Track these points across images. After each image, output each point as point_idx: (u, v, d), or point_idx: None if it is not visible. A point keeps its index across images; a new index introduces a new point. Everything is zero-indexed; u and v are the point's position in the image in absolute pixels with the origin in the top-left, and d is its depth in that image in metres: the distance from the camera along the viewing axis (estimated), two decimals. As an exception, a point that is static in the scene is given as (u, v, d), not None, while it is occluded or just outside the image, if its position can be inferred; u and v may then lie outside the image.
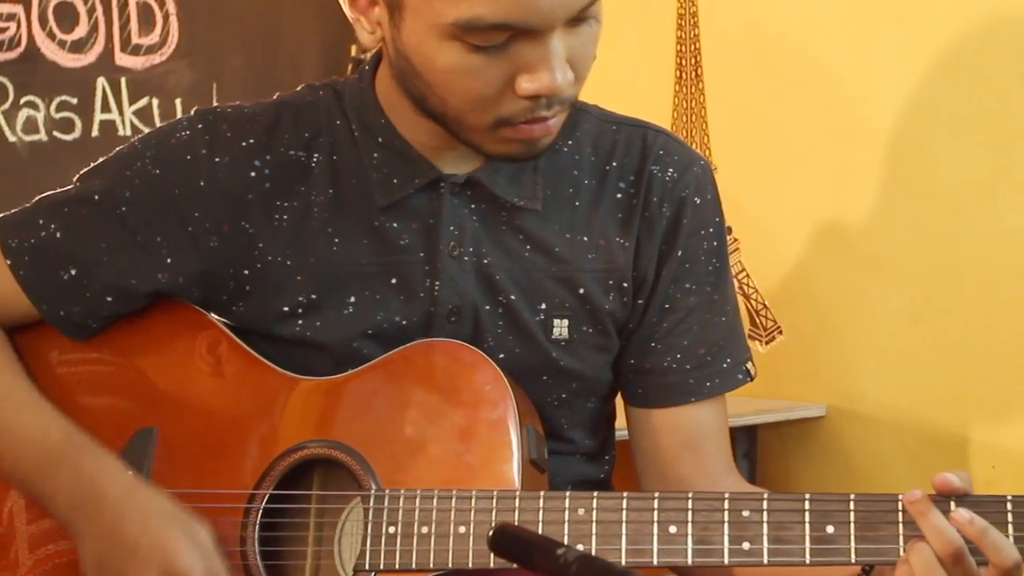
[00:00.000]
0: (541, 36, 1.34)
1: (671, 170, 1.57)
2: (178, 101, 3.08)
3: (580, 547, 1.32)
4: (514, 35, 1.34)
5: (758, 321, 2.87)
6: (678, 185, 1.56)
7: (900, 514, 1.28)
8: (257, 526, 1.44)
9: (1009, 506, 1.26)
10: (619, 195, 1.56)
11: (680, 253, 1.56)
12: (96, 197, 1.52)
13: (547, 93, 1.36)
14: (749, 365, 1.61)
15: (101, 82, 3.02)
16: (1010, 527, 1.25)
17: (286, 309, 1.51)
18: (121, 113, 3.03)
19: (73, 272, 1.52)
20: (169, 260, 1.51)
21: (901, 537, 1.27)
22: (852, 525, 1.28)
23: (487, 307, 1.51)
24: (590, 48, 1.41)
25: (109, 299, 1.52)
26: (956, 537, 1.24)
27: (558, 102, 1.39)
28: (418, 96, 1.43)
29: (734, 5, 2.93)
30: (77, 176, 1.56)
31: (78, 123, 3.00)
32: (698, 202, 1.57)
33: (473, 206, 1.51)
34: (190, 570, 1.37)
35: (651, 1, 3.08)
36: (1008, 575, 1.25)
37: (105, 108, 3.02)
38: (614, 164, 1.56)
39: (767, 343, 2.87)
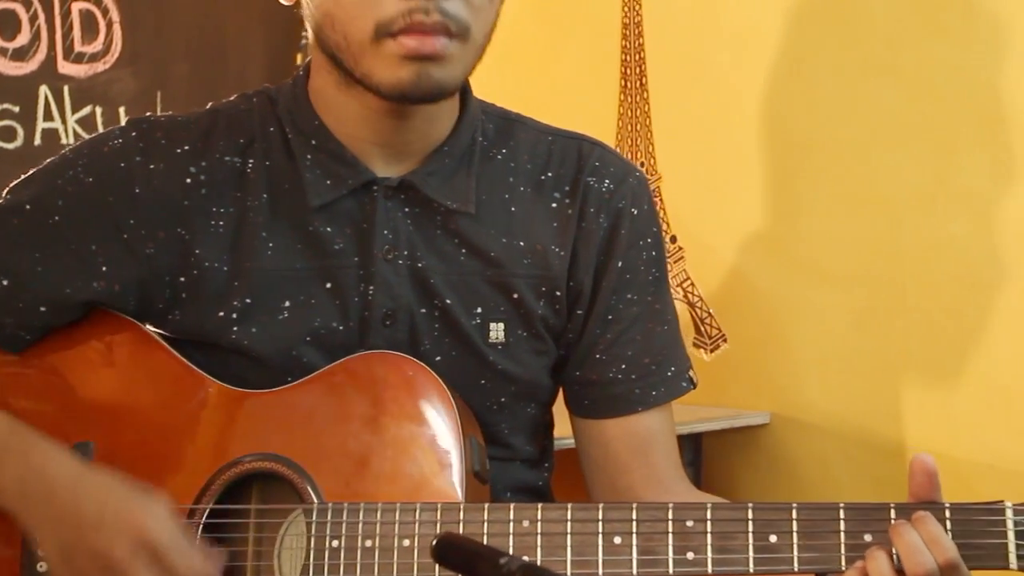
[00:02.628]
0: None
1: (607, 181, 1.57)
2: (122, 109, 3.05)
3: (525, 558, 1.32)
4: None
5: (703, 329, 2.89)
6: (615, 196, 1.57)
7: (842, 523, 1.29)
8: (197, 540, 1.43)
9: (948, 513, 1.28)
10: (554, 204, 1.56)
11: (620, 264, 1.56)
12: (27, 207, 1.51)
13: None
14: (692, 373, 1.63)
15: (44, 90, 2.99)
16: (948, 534, 1.26)
17: (222, 315, 1.50)
18: (64, 122, 3.01)
19: (5, 283, 1.50)
20: (104, 268, 1.50)
21: (843, 545, 1.28)
22: (795, 534, 1.29)
23: (423, 310, 1.51)
24: None
25: (43, 309, 1.51)
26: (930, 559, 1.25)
27: (439, 10, 1.36)
28: (318, 33, 1.44)
29: (678, 15, 2.94)
30: (7, 188, 1.55)
31: (20, 132, 2.97)
32: (635, 213, 1.58)
33: (407, 209, 1.51)
34: (160, 532, 1.35)
35: (596, 11, 3.09)
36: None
37: (48, 116, 2.99)
38: (549, 174, 1.57)
39: (712, 351, 2.88)
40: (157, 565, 1.34)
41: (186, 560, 1.35)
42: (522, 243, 1.54)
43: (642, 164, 2.96)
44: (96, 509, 1.37)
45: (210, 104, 1.59)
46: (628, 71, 3.02)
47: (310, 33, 1.49)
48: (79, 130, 3.01)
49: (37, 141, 2.97)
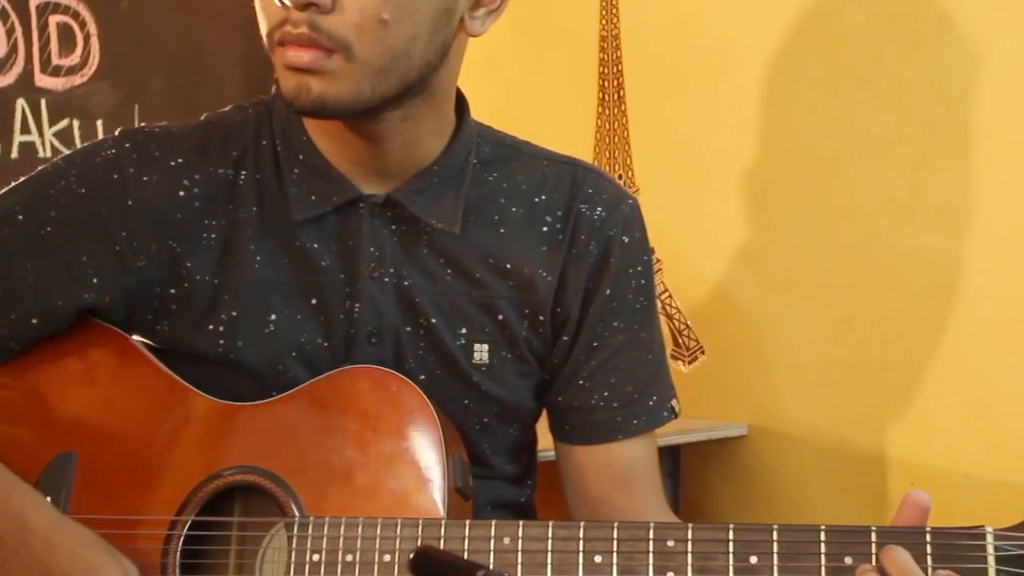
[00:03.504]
0: None
1: (600, 209, 1.57)
2: (99, 123, 3.04)
3: (506, 574, 1.32)
4: None
5: (681, 341, 2.89)
6: (606, 224, 1.57)
7: (822, 545, 1.29)
8: (179, 553, 1.43)
9: (928, 538, 1.27)
10: (545, 228, 1.56)
11: (608, 292, 1.57)
12: (19, 217, 1.51)
13: None
14: (674, 403, 1.63)
15: (20, 103, 2.98)
16: (929, 558, 1.26)
17: (210, 327, 1.50)
18: (41, 135, 2.99)
19: None
20: (95, 280, 1.50)
21: (823, 568, 1.28)
22: (775, 555, 1.29)
23: (408, 328, 1.51)
24: None
25: (34, 321, 1.51)
26: None
27: (306, 23, 1.36)
28: None
29: (656, 28, 2.94)
30: None
31: (-3, 145, 2.97)
32: (626, 241, 1.58)
33: (393, 227, 1.51)
34: None
35: (573, 24, 3.09)
36: None
37: (25, 130, 2.98)
38: (543, 197, 1.57)
39: (690, 363, 2.88)
40: None
41: None
42: (509, 265, 1.54)
43: (620, 176, 2.97)
44: (68, 562, 1.38)
45: (205, 115, 1.59)
46: (606, 84, 3.02)
47: None
48: (56, 143, 3.00)
49: (14, 154, 2.96)
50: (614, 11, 3.01)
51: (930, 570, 1.25)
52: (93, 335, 1.54)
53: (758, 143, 2.75)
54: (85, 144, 1.60)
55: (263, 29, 1.41)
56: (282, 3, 1.35)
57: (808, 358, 2.69)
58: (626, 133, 2.99)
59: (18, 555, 1.41)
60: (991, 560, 1.25)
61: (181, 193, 1.51)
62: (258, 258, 1.50)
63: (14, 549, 1.41)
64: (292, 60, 1.37)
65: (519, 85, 3.16)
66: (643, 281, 1.60)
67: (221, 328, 1.50)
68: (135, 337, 1.54)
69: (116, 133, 1.55)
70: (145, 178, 1.51)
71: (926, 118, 2.50)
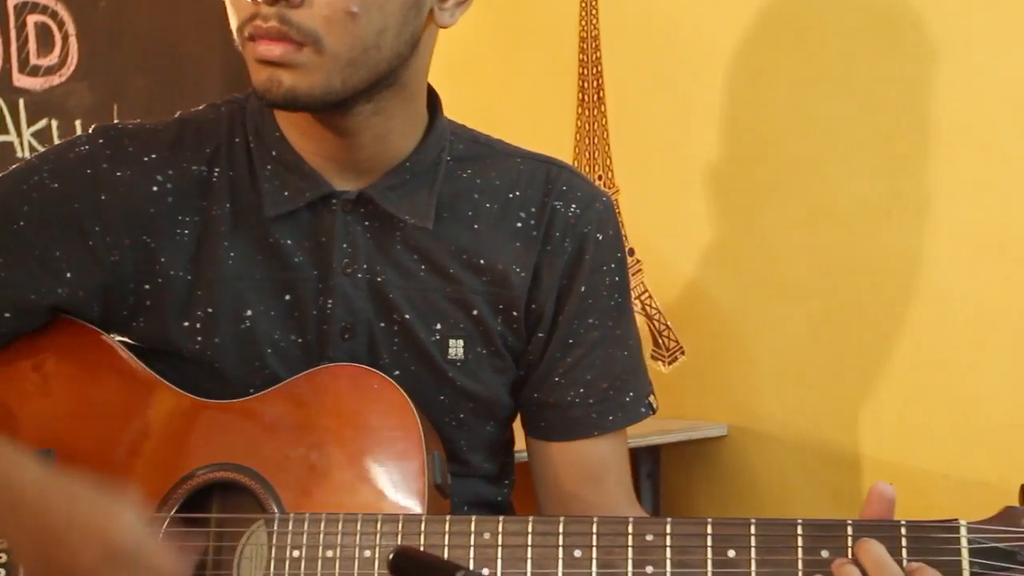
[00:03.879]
0: None
1: (574, 206, 1.58)
2: (78, 122, 3.04)
3: (485, 571, 1.33)
4: None
5: (661, 342, 2.90)
6: (580, 221, 1.57)
7: (799, 538, 1.29)
8: (158, 550, 1.43)
9: (903, 531, 1.28)
10: (519, 225, 1.56)
11: (583, 289, 1.57)
12: None
13: None
14: (651, 399, 1.63)
15: (-2, 103, 2.99)
16: (904, 551, 1.27)
17: (186, 324, 1.50)
18: (19, 134, 2.99)
19: None
20: (69, 275, 1.50)
21: (800, 561, 1.28)
22: (753, 549, 1.30)
23: (381, 324, 1.52)
24: None
25: (7, 315, 1.51)
26: None
27: (276, 17, 1.37)
28: None
29: (636, 29, 2.95)
30: None
31: (-25, 145, 2.96)
32: (600, 238, 1.58)
33: (366, 223, 1.52)
34: (127, 538, 1.33)
35: (553, 24, 3.09)
36: None
37: (3, 130, 2.97)
38: (517, 194, 1.57)
39: (670, 364, 2.89)
40: (126, 572, 1.33)
41: (155, 564, 1.34)
42: (482, 261, 1.54)
43: (599, 177, 2.97)
44: (63, 517, 1.35)
45: (178, 113, 1.60)
46: (585, 84, 3.03)
47: None
48: (35, 143, 2.99)
49: (-8, 155, 2.96)
50: (594, 12, 3.01)
51: (904, 562, 1.26)
52: (70, 332, 1.53)
53: (737, 144, 2.76)
54: (59, 141, 1.60)
55: (233, 24, 1.41)
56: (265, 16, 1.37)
57: (787, 358, 2.70)
58: (606, 134, 3.00)
59: (15, 515, 1.38)
60: (965, 552, 1.26)
61: (154, 188, 1.51)
62: (232, 254, 1.50)
63: (10, 509, 1.38)
64: (263, 54, 1.38)
65: (499, 86, 3.16)
66: (617, 278, 1.60)
67: (198, 325, 1.50)
68: (114, 336, 1.54)
69: (90, 129, 1.55)
70: (118, 173, 1.51)
71: (904, 119, 2.51)
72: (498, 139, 1.64)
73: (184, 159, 1.53)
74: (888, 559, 1.25)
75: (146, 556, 1.34)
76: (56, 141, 3.01)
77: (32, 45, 3.01)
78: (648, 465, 2.79)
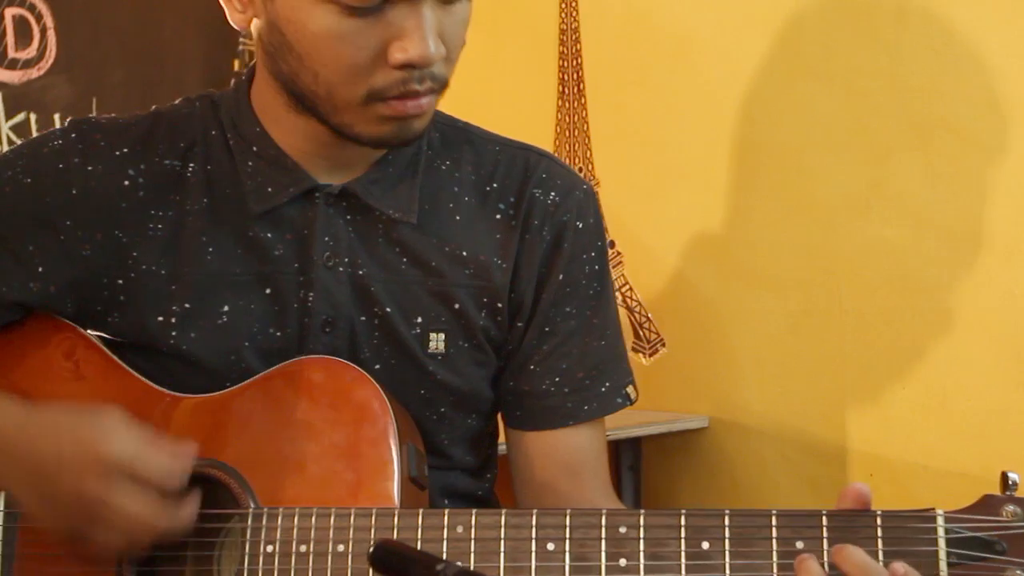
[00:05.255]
0: (415, 3, 1.35)
1: (553, 194, 1.57)
2: (56, 116, 3.03)
3: (459, 564, 1.32)
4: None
5: (642, 334, 2.90)
6: (560, 209, 1.57)
7: (773, 529, 1.29)
8: (134, 546, 1.42)
9: (879, 521, 1.27)
10: (499, 216, 1.56)
11: (561, 277, 1.56)
12: None
13: (419, 62, 1.36)
14: (630, 389, 1.62)
15: (-24, 97, 2.98)
16: (880, 542, 1.26)
17: (161, 319, 1.49)
18: (-3, 128, 2.99)
19: None
20: (41, 269, 1.49)
21: (775, 552, 1.28)
22: (727, 541, 1.29)
23: (362, 318, 1.51)
24: (460, 29, 1.42)
25: None
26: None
27: (430, 77, 1.39)
28: (290, 76, 1.42)
29: (616, 21, 2.95)
30: None
31: (-47, 138, 2.95)
32: (580, 226, 1.58)
33: (349, 217, 1.51)
34: (121, 450, 1.33)
35: (533, 17, 3.09)
36: None
37: (-19, 123, 2.97)
38: (495, 185, 1.57)
39: (651, 356, 2.89)
40: (130, 483, 1.32)
41: (155, 465, 1.34)
42: (464, 253, 1.54)
43: (580, 169, 2.97)
44: (53, 452, 1.35)
45: (153, 107, 1.59)
46: (566, 77, 3.03)
47: (260, 54, 1.48)
48: (13, 137, 2.98)
49: (-30, 148, 2.95)
50: (574, 5, 3.01)
51: (880, 553, 1.25)
52: (46, 327, 1.53)
53: (718, 136, 2.76)
54: (33, 136, 1.60)
55: (357, 87, 1.39)
56: (417, 66, 1.37)
57: (768, 350, 2.70)
58: (586, 126, 3.00)
59: (6, 460, 1.38)
60: (942, 543, 1.25)
61: (125, 183, 1.51)
62: (210, 249, 1.50)
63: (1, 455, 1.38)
64: (413, 111, 1.41)
65: (480, 79, 3.16)
66: (597, 267, 1.59)
67: (173, 319, 1.49)
68: (90, 331, 1.54)
69: (64, 123, 1.55)
70: (90, 168, 1.50)
71: (884, 112, 2.52)
72: (475, 125, 1.64)
73: (156, 153, 1.52)
74: (870, 561, 1.23)
75: (144, 460, 1.34)
76: (35, 135, 2.99)
77: (10, 38, 2.99)
78: (630, 457, 2.79)
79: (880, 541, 1.26)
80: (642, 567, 1.31)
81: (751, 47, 2.70)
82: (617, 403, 1.61)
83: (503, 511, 1.35)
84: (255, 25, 1.45)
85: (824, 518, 1.28)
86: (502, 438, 1.68)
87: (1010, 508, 1.25)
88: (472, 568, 1.33)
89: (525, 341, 1.58)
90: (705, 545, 1.30)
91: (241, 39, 3.24)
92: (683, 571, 1.30)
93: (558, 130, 3.03)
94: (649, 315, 2.89)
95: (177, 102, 1.59)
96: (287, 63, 1.41)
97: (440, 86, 1.41)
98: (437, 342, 1.54)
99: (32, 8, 3.01)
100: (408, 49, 1.35)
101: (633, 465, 2.81)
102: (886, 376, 2.53)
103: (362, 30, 1.35)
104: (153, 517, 1.34)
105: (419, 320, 1.53)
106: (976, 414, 2.40)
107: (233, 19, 1.46)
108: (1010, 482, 1.25)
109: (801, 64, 2.63)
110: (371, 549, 1.13)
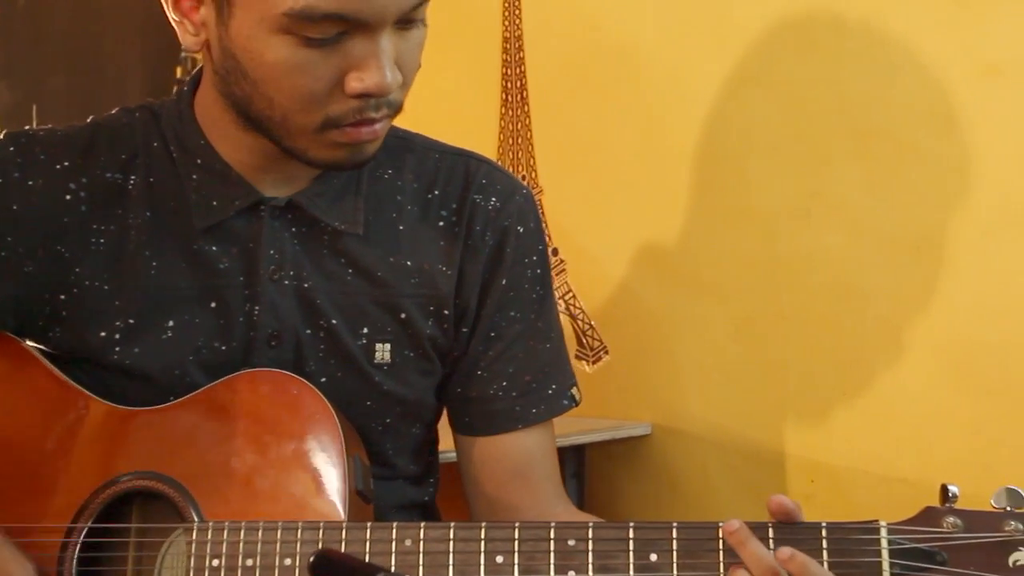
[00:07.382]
0: (372, 33, 1.34)
1: (494, 199, 1.58)
2: (-4, 122, 3.01)
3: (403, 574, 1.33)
4: (346, 31, 1.33)
5: (585, 342, 2.90)
6: (501, 214, 1.58)
7: (720, 541, 1.30)
8: (75, 560, 1.41)
9: (824, 532, 1.29)
10: (441, 223, 1.57)
11: (504, 281, 1.57)
12: None
13: (376, 92, 1.36)
14: (574, 391, 1.63)
15: (-86, 104, 2.94)
16: (825, 553, 1.28)
17: (104, 335, 1.48)
18: (-64, 136, 2.95)
19: None
20: None
21: (721, 564, 1.29)
22: (674, 553, 1.30)
23: (308, 331, 1.51)
24: (416, 53, 1.42)
25: None
26: (774, 564, 1.26)
27: (386, 104, 1.39)
28: (243, 100, 1.41)
29: (559, 29, 2.95)
30: None
31: None
32: (521, 231, 1.59)
33: (294, 229, 1.51)
34: None
35: (476, 25, 3.09)
36: None
37: (-81, 132, 2.93)
38: (436, 192, 1.57)
39: (594, 363, 2.90)
40: None
41: None
42: (409, 263, 1.54)
43: (524, 177, 2.97)
44: None
45: (91, 118, 1.57)
46: (509, 84, 3.03)
47: (209, 73, 1.47)
48: (-48, 144, 2.95)
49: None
50: (517, 12, 3.01)
51: (826, 564, 1.27)
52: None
53: (659, 144, 2.77)
54: None
55: (314, 114, 1.39)
56: (374, 96, 1.37)
57: (710, 357, 2.71)
58: (529, 134, 3.00)
59: None
60: (885, 554, 1.27)
61: (67, 197, 1.49)
62: (154, 264, 1.49)
63: None
64: (367, 137, 1.41)
65: (422, 86, 3.13)
66: (539, 271, 1.61)
67: (117, 335, 1.48)
68: (29, 343, 1.52)
69: (0, 136, 1.52)
70: (30, 182, 1.49)
71: (823, 120, 2.53)
72: (415, 132, 1.64)
73: (98, 165, 1.51)
74: (814, 564, 1.25)
75: None
76: (-26, 142, 2.97)
77: (-51, 44, 2.97)
78: (573, 465, 2.79)
79: (825, 552, 1.28)
80: None
81: (694, 56, 2.71)
82: (564, 405, 1.62)
83: (452, 524, 1.35)
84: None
85: (771, 529, 1.29)
86: (442, 446, 1.68)
87: (950, 520, 1.28)
88: (420, 582, 1.33)
89: (471, 347, 1.58)
90: (653, 557, 1.31)
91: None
92: None
93: (501, 138, 3.03)
94: (592, 323, 2.90)
95: (115, 112, 1.57)
96: (240, 88, 1.40)
97: (395, 112, 1.42)
98: (383, 352, 1.54)
99: (-29, 14, 2.99)
100: (365, 79, 1.35)
101: (576, 472, 2.81)
102: (827, 383, 2.54)
103: (319, 60, 1.35)
104: None
105: (365, 331, 1.53)
106: (916, 421, 2.42)
107: (185, 42, 1.44)
108: (950, 494, 1.28)
109: (742, 73, 2.64)
110: (311, 559, 1.13)
